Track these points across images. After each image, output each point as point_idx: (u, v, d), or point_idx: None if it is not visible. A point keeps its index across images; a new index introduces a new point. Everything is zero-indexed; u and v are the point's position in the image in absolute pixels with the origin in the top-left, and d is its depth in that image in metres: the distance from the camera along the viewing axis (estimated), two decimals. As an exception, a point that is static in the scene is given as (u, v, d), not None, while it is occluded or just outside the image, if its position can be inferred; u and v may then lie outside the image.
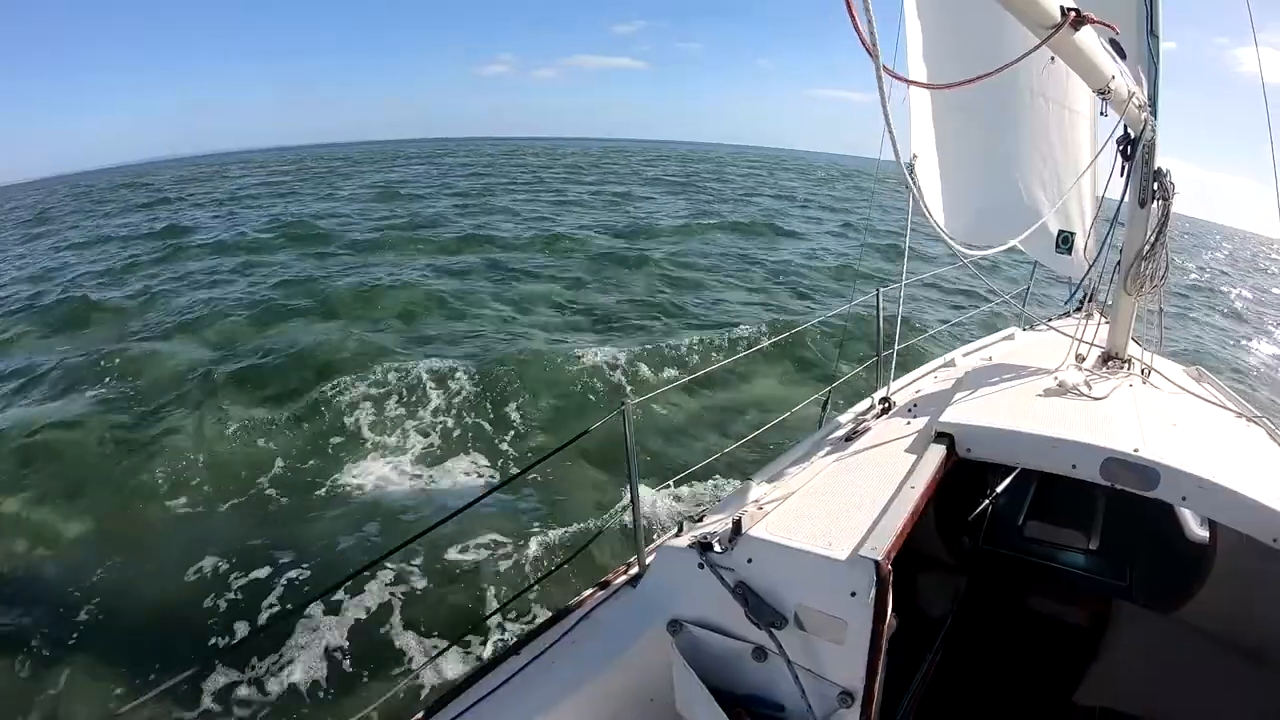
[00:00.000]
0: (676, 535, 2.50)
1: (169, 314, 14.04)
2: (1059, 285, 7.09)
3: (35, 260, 21.98)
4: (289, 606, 5.51)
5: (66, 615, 5.50)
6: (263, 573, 5.97)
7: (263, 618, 5.46)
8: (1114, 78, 2.66)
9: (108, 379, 10.27)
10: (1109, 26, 2.30)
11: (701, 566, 2.27)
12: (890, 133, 1.70)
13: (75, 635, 5.31)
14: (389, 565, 5.69)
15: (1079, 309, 5.61)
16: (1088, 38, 2.32)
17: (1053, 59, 4.77)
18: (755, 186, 47.13)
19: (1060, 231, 5.17)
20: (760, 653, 2.25)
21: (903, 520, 2.21)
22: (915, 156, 4.39)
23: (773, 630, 2.15)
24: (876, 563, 2.00)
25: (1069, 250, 5.20)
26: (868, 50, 1.42)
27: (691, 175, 54.44)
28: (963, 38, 4.14)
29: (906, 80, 1.92)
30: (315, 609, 5.31)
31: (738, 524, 2.27)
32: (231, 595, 5.73)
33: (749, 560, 2.22)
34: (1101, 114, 2.87)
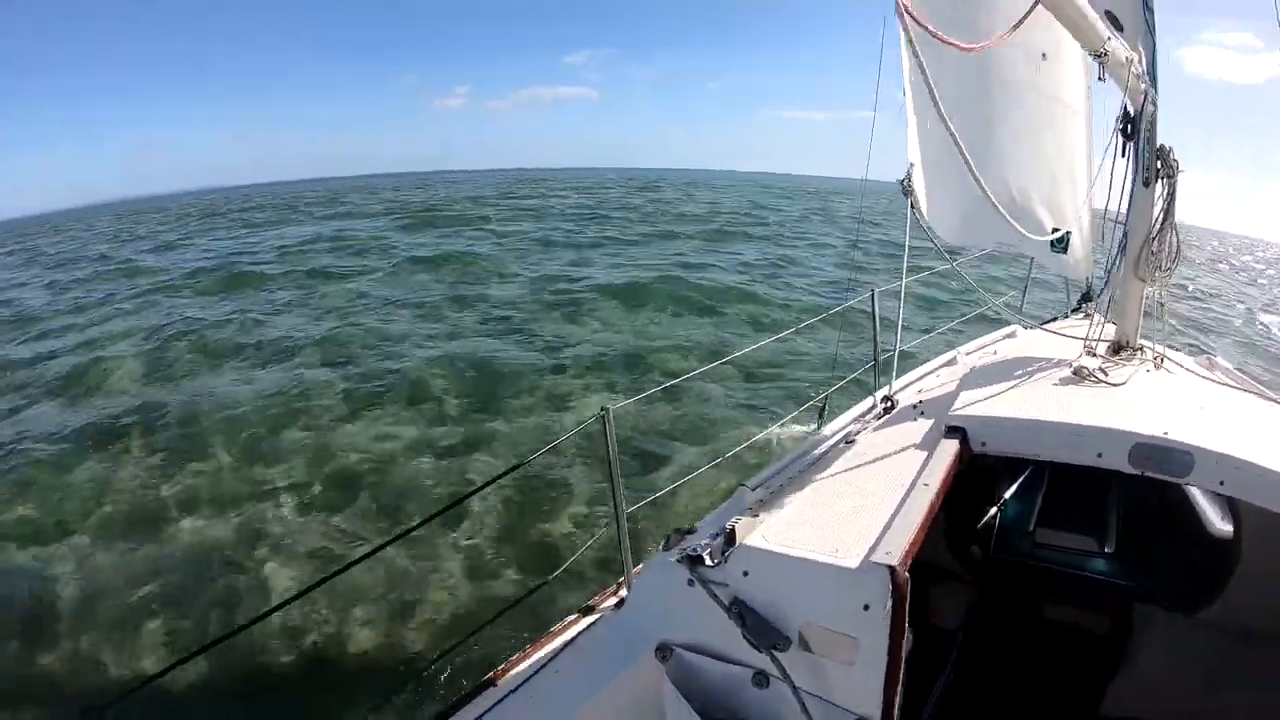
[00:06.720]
0: (665, 550, 2.30)
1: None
2: (1052, 290, 6.99)
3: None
4: (239, 629, 5.28)
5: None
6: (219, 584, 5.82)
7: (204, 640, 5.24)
8: (1110, 39, 2.55)
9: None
10: None
11: (692, 583, 2.05)
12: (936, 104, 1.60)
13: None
14: (343, 584, 5.49)
15: (1077, 309, 5.48)
16: None
17: (1044, 56, 4.68)
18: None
19: (1055, 230, 5.05)
20: (762, 678, 2.04)
21: (918, 522, 2.00)
22: (912, 165, 4.31)
23: (774, 653, 1.93)
24: (892, 569, 1.78)
25: (1064, 249, 5.07)
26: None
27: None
28: (961, 19, 4.07)
29: (937, 35, 1.74)
30: (271, 630, 5.09)
31: (730, 534, 2.06)
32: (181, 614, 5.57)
33: (744, 573, 2.01)
34: (1100, 79, 2.73)
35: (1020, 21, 1.81)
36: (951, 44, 1.58)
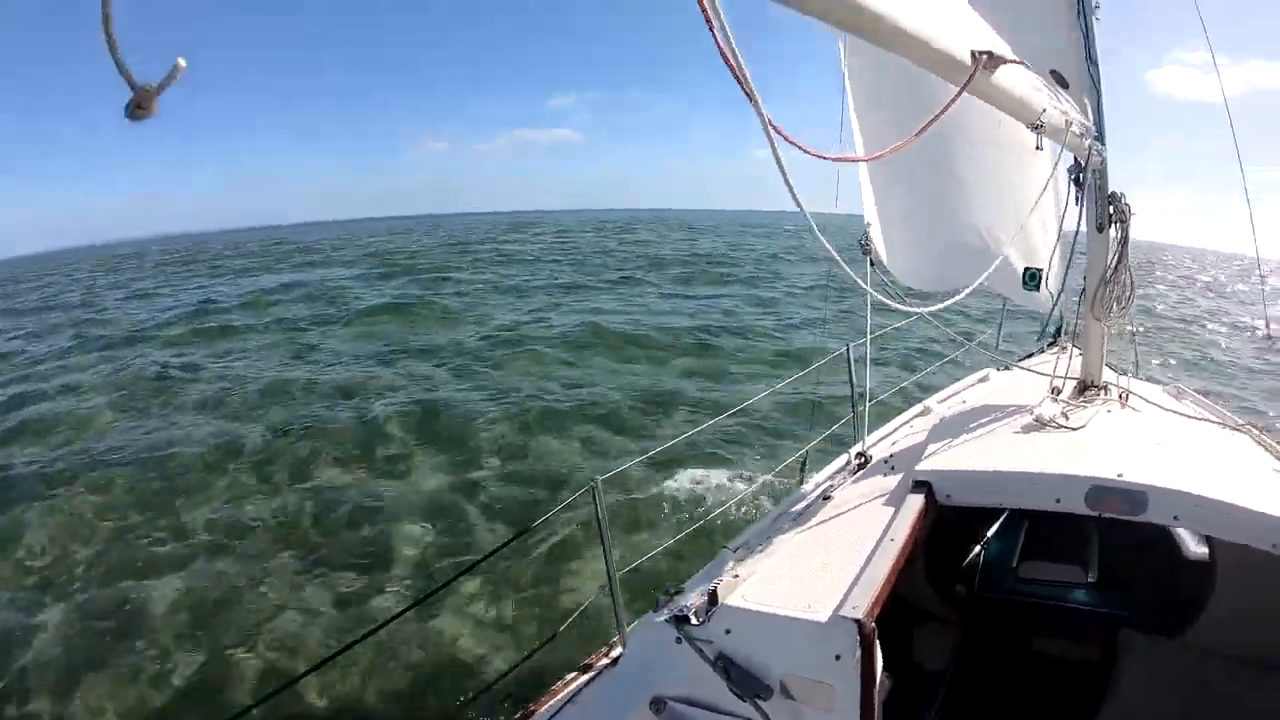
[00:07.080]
0: (654, 610, 2.39)
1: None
2: (1029, 323, 7.14)
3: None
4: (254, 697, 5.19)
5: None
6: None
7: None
8: (1045, 110, 2.60)
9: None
10: (1018, 62, 2.26)
11: (679, 641, 2.17)
12: (791, 190, 1.45)
13: None
14: (352, 657, 5.40)
15: (1052, 343, 5.61)
16: (1011, 76, 2.25)
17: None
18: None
19: (1027, 269, 5.17)
20: None
21: (884, 575, 2.14)
22: (869, 224, 4.48)
23: (758, 702, 2.05)
24: (858, 621, 1.92)
25: (1037, 287, 5.19)
26: (748, 96, 1.17)
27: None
28: (900, 103, 4.20)
29: (805, 149, 1.55)
30: (282, 701, 5.00)
31: (713, 594, 2.19)
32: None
33: (727, 631, 2.13)
34: (1037, 148, 2.82)
35: (927, 126, 1.70)
36: (824, 157, 1.48)
